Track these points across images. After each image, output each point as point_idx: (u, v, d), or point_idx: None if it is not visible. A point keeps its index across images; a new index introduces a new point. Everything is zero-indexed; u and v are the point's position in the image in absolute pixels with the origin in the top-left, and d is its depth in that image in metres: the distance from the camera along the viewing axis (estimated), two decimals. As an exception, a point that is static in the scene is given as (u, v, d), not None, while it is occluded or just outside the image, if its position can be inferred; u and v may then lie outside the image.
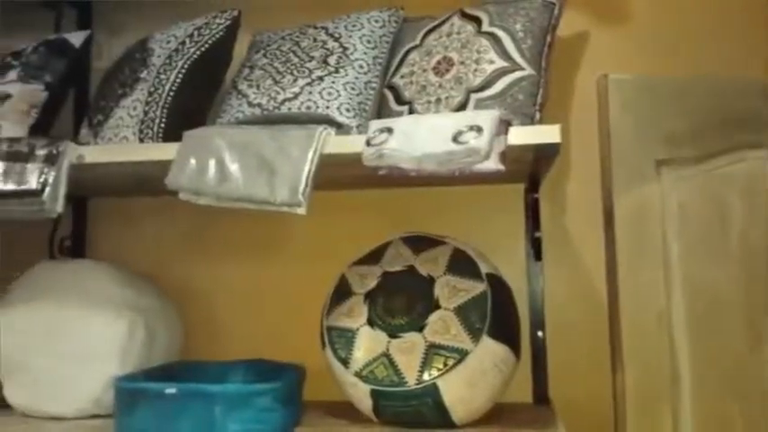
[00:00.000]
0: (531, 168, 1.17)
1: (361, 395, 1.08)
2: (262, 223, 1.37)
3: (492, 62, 1.09)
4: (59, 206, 1.02)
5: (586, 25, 1.34)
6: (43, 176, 0.99)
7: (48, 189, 0.99)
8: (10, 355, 1.20)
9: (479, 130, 0.91)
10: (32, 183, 0.98)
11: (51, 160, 1.00)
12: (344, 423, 1.12)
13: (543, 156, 1.04)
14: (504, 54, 1.09)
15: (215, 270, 1.43)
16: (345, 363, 1.10)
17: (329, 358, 1.12)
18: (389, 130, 0.96)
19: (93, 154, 1.06)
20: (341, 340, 1.12)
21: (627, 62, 1.30)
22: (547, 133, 0.96)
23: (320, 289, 1.19)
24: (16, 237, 1.42)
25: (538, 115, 1.08)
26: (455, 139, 0.92)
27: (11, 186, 0.99)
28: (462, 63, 1.11)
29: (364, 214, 1.37)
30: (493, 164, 0.92)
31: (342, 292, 1.16)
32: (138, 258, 1.41)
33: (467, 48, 1.12)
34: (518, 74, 1.07)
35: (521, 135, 0.96)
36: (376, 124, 1.00)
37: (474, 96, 1.07)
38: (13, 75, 1.22)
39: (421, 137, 0.94)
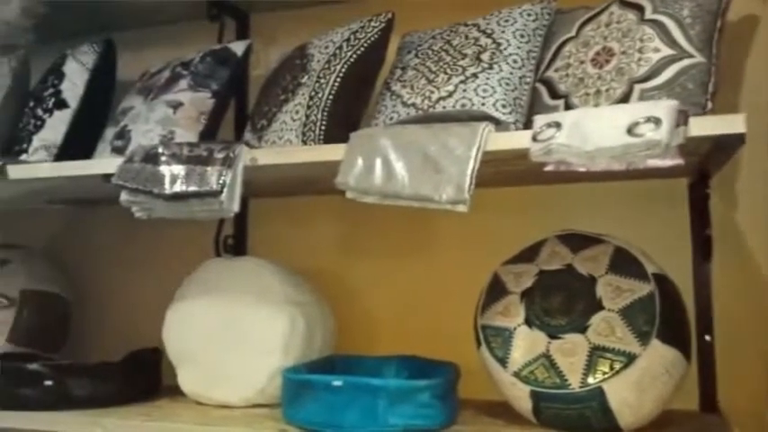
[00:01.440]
0: (700, 161, 1.10)
1: (520, 395, 1.07)
2: (414, 221, 1.38)
3: (657, 50, 1.03)
4: (236, 205, 1.08)
5: (758, 9, 1.24)
6: (222, 178, 1.05)
7: (225, 190, 1.06)
8: (183, 346, 1.29)
9: (657, 121, 0.86)
10: (213, 184, 1.05)
11: (228, 163, 1.06)
12: (501, 423, 1.11)
13: (721, 148, 0.97)
14: (671, 41, 1.03)
15: (365, 266, 1.46)
16: (503, 362, 1.08)
17: (485, 357, 1.11)
18: (557, 125, 0.93)
19: (265, 156, 1.11)
20: (497, 339, 1.10)
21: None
22: (730, 123, 0.89)
23: (470, 287, 1.18)
24: (184, 237, 1.53)
25: (710, 105, 1.00)
26: (630, 132, 0.88)
27: (193, 188, 1.06)
28: (624, 53, 1.06)
29: (514, 212, 1.35)
30: (671, 158, 0.88)
31: (496, 291, 1.15)
32: (294, 256, 1.46)
33: (628, 37, 1.07)
34: (687, 61, 1.01)
35: (700, 126, 0.89)
36: (542, 119, 0.97)
37: (638, 87, 1.02)
38: (183, 84, 1.31)
39: (592, 130, 0.90)
